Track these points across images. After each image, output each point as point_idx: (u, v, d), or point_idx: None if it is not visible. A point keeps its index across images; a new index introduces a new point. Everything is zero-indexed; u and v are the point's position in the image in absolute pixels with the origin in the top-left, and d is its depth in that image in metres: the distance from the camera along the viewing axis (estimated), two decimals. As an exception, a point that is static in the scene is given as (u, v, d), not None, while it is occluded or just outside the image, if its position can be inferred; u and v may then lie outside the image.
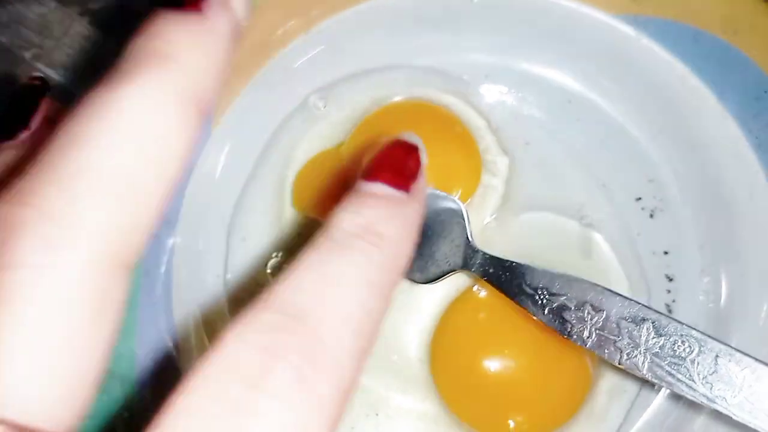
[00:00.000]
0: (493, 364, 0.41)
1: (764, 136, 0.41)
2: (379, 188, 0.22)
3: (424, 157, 0.25)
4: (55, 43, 0.50)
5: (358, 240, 0.20)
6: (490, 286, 0.39)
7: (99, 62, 0.49)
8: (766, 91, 0.41)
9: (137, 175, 0.18)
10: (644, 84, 0.45)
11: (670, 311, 0.43)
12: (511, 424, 0.41)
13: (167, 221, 0.43)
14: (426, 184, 0.24)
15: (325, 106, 0.46)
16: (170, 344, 0.43)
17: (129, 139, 0.18)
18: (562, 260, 0.43)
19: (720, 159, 0.43)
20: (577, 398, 0.41)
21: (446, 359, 0.42)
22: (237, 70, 0.44)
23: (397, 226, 0.21)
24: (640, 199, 0.45)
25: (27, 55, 0.49)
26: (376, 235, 0.20)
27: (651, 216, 0.45)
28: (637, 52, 0.44)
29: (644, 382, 0.42)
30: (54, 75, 0.49)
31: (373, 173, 0.22)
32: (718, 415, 0.30)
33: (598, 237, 0.44)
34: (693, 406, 0.41)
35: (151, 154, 0.18)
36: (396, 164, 0.23)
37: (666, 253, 0.44)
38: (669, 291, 0.44)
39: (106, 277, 0.17)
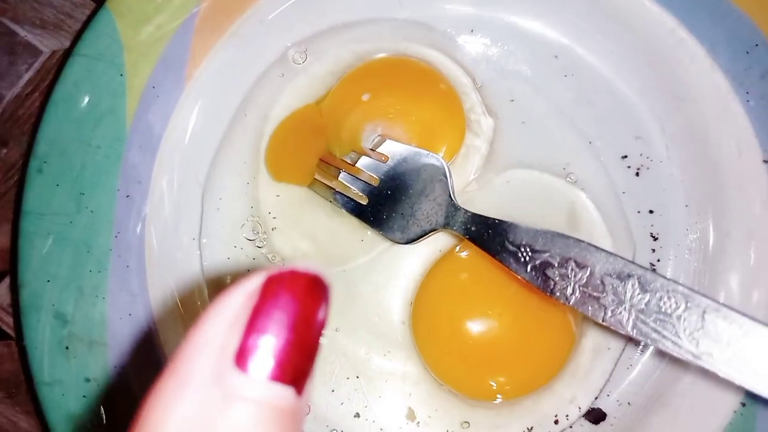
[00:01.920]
0: (474, 325, 0.40)
1: (755, 91, 0.40)
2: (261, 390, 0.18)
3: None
4: None
5: None
6: (472, 246, 0.38)
7: (66, 19, 0.47)
8: (757, 45, 0.40)
9: None
10: (633, 37, 0.43)
11: (654, 270, 0.43)
12: (494, 384, 0.40)
13: (139, 182, 0.42)
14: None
15: (304, 61, 0.45)
16: (143, 310, 0.42)
17: None
18: (546, 218, 0.42)
19: (708, 114, 0.42)
20: (561, 357, 0.41)
21: (428, 321, 0.41)
22: (211, 22, 0.42)
23: None
24: (626, 157, 0.44)
25: None
26: None
27: (637, 174, 0.44)
28: (626, 4, 0.42)
29: (629, 340, 0.41)
30: (20, 31, 0.47)
31: (281, 375, 0.18)
32: (704, 373, 0.29)
33: (582, 195, 0.43)
34: (678, 363, 0.40)
35: None
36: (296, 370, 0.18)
37: (651, 211, 0.43)
38: (654, 250, 0.43)
39: None
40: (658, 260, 0.43)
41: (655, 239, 0.43)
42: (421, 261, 0.43)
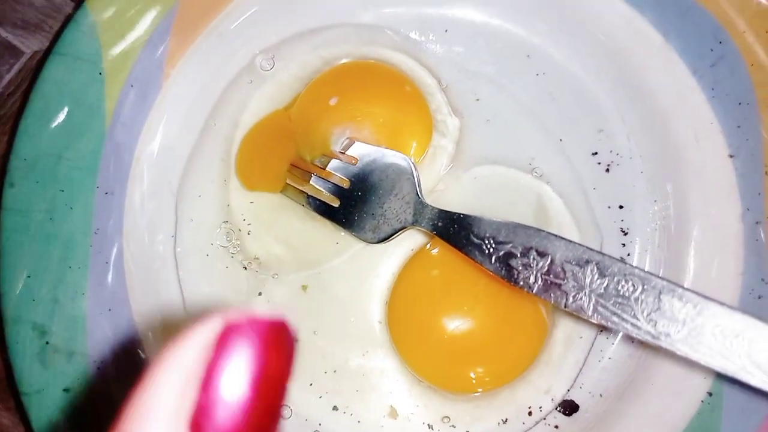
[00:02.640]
0: (448, 320, 0.41)
1: (719, 87, 0.41)
2: None
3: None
4: None
5: None
6: (442, 243, 0.38)
7: (47, 20, 0.48)
8: (720, 42, 0.41)
9: None
10: (594, 32, 0.44)
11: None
12: (472, 376, 0.41)
13: (119, 181, 0.42)
14: None
15: (272, 67, 0.45)
16: (123, 306, 0.42)
17: None
18: (515, 213, 0.43)
19: (667, 106, 0.43)
20: (534, 347, 0.41)
21: (403, 318, 0.42)
22: (188, 23, 0.43)
23: None
24: (596, 153, 0.45)
25: None
26: None
27: (607, 170, 0.44)
28: (590, 1, 0.43)
29: (601, 330, 0.42)
30: (1, 32, 0.47)
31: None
32: (674, 357, 0.30)
33: (548, 189, 0.44)
34: (649, 350, 0.41)
35: None
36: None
37: (621, 207, 0.44)
38: (624, 244, 0.44)
39: None
40: (628, 254, 0.44)
41: (625, 234, 0.44)
42: (394, 260, 0.44)
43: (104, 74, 0.42)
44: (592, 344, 0.42)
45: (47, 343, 0.39)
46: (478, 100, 0.45)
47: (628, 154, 0.44)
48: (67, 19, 0.47)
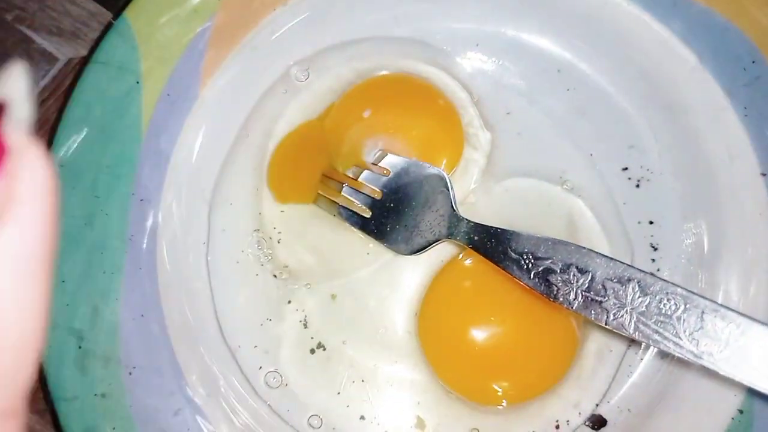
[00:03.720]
0: (479, 332, 0.41)
1: (753, 106, 0.41)
2: None
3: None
4: (38, 5, 0.49)
5: None
6: (475, 254, 0.38)
7: (83, 28, 0.48)
8: (754, 61, 0.41)
9: None
10: (627, 50, 0.44)
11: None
12: (500, 390, 0.41)
13: (154, 188, 0.43)
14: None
15: (307, 78, 0.46)
16: (155, 312, 0.42)
17: None
18: (546, 225, 0.43)
19: (700, 124, 0.43)
20: (565, 361, 0.41)
21: (434, 329, 0.42)
22: (224, 34, 0.43)
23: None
24: (626, 168, 0.45)
25: (8, 17, 0.48)
26: None
27: (637, 186, 0.45)
28: (622, 18, 0.44)
29: (631, 343, 0.42)
30: (36, 38, 0.48)
31: None
32: (705, 372, 0.30)
33: (580, 202, 0.44)
34: (679, 364, 0.41)
35: None
36: None
37: (651, 222, 0.44)
38: (654, 260, 0.44)
39: None
40: (658, 269, 0.44)
41: (655, 249, 0.44)
42: (425, 271, 0.44)
43: (142, 83, 0.42)
44: (622, 358, 0.42)
45: (83, 348, 0.39)
46: (509, 113, 0.46)
47: (659, 171, 0.45)
48: (105, 28, 0.47)
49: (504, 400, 0.41)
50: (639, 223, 0.45)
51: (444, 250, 0.43)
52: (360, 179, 0.43)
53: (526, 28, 0.45)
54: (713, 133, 0.43)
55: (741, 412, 0.39)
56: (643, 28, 0.44)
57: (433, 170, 0.41)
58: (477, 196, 0.45)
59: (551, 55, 0.46)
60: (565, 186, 0.45)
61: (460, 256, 0.43)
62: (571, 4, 0.44)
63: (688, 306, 0.28)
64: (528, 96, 0.46)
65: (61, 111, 0.42)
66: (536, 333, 0.41)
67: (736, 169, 0.42)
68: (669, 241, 0.44)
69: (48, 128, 0.48)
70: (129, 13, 0.42)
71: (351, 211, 0.43)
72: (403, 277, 0.44)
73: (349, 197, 0.43)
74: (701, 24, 0.41)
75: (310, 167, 0.44)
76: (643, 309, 0.29)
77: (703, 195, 0.43)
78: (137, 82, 0.42)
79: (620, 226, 0.44)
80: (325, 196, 0.44)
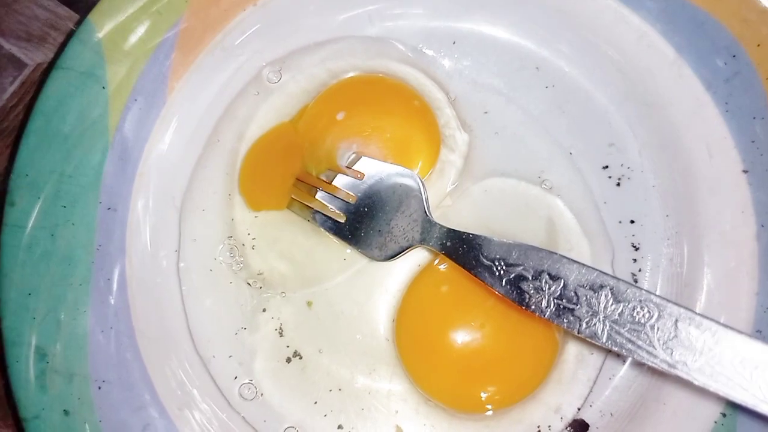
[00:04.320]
0: (458, 337, 0.40)
1: (734, 101, 0.40)
2: None
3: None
4: (5, 9, 0.48)
5: None
6: (450, 260, 0.37)
7: (51, 32, 0.47)
8: (734, 56, 0.40)
9: None
10: (605, 45, 0.44)
11: (636, 280, 0.43)
12: (482, 395, 0.40)
13: (122, 196, 0.42)
14: None
15: (279, 79, 0.45)
16: (124, 324, 0.41)
17: None
18: (526, 226, 0.42)
19: (679, 120, 0.42)
20: (545, 364, 0.41)
21: (412, 336, 0.41)
22: (192, 38, 0.42)
23: None
24: (607, 167, 0.44)
25: None
26: None
27: (618, 184, 0.44)
28: (599, 12, 0.43)
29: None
30: (4, 43, 0.47)
31: None
32: (682, 383, 0.29)
33: (559, 202, 0.43)
34: (658, 372, 0.40)
35: None
36: None
37: (632, 221, 0.43)
38: (635, 260, 0.43)
39: None
40: (639, 270, 0.43)
41: (636, 249, 0.43)
42: (401, 276, 0.43)
43: (108, 88, 0.41)
44: (603, 362, 0.41)
45: (47, 364, 0.38)
46: (486, 112, 0.45)
47: (639, 168, 0.44)
48: (70, 32, 0.46)
49: (488, 406, 0.40)
50: (620, 222, 0.44)
51: (421, 255, 0.42)
52: (334, 183, 0.42)
53: (502, 25, 0.44)
54: (693, 129, 0.42)
55: (724, 415, 0.38)
56: (621, 22, 0.43)
57: (406, 174, 0.40)
58: (454, 199, 0.44)
59: (529, 52, 0.45)
60: (544, 185, 0.44)
61: (436, 261, 0.42)
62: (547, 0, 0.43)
63: (662, 314, 0.27)
64: (506, 95, 0.45)
65: (28, 118, 0.41)
66: (515, 337, 0.40)
67: (716, 165, 0.41)
68: (650, 240, 0.43)
69: (16, 136, 0.47)
70: (93, 17, 0.41)
71: (325, 215, 0.42)
72: (381, 283, 0.43)
73: (323, 201, 0.42)
74: (680, 16, 0.40)
75: (282, 171, 0.43)
76: (616, 317, 0.28)
77: (684, 192, 0.42)
78: (103, 88, 0.41)
79: (601, 225, 0.43)
80: (299, 201, 0.42)
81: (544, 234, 0.43)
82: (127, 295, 0.41)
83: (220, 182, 0.44)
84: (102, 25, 0.41)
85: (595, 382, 0.41)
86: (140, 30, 0.41)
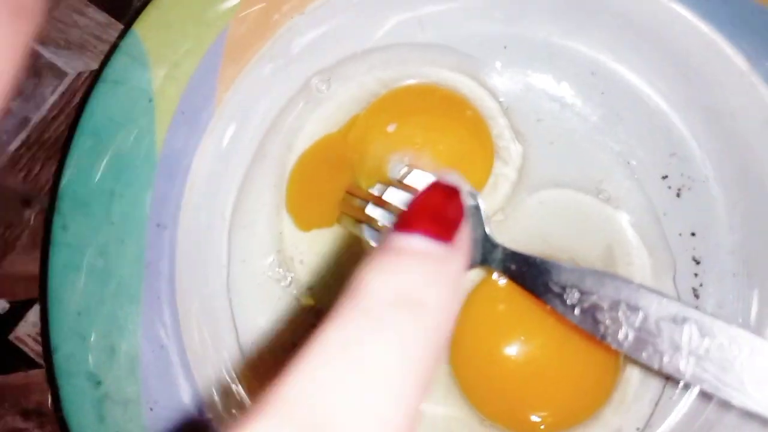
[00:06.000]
0: (516, 358, 0.39)
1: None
2: (418, 242, 0.18)
3: (467, 200, 0.21)
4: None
5: (394, 310, 0.16)
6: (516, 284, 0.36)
7: (92, 39, 0.46)
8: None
9: None
10: (667, 50, 0.42)
11: (697, 295, 0.41)
12: (538, 418, 0.39)
13: (171, 211, 0.41)
14: (469, 232, 0.20)
15: (328, 89, 0.43)
16: (176, 343, 0.41)
17: None
18: (584, 239, 0.41)
19: (748, 131, 0.40)
20: (606, 388, 0.39)
21: (467, 355, 0.40)
22: (239, 47, 0.41)
23: (440, 289, 0.17)
24: (666, 177, 0.42)
25: None
26: (416, 303, 0.16)
27: (678, 195, 0.42)
28: (661, 16, 0.41)
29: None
30: (44, 52, 0.46)
31: (409, 224, 0.18)
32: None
33: (619, 215, 0.42)
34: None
35: None
36: (436, 212, 0.19)
37: (693, 234, 0.42)
38: (696, 274, 0.42)
39: None
40: (701, 284, 0.42)
41: (698, 263, 0.42)
42: (454, 292, 0.42)
43: (154, 101, 0.40)
44: (665, 385, 0.40)
45: (103, 391, 0.38)
46: (539, 120, 0.43)
47: (701, 179, 0.42)
48: (115, 43, 0.45)
49: (546, 429, 0.39)
50: (680, 235, 0.42)
51: (476, 270, 0.41)
52: (385, 197, 0.40)
53: (558, 29, 0.43)
54: (762, 141, 0.40)
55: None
56: (686, 26, 0.41)
57: (465, 193, 0.38)
58: (507, 212, 0.42)
59: (584, 56, 0.43)
60: (601, 196, 0.42)
61: (494, 275, 0.40)
62: (605, 3, 0.41)
63: (754, 350, 0.26)
64: (560, 101, 0.43)
65: (71, 128, 0.40)
66: (576, 359, 0.39)
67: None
68: (713, 255, 0.42)
69: (59, 148, 0.46)
70: (138, 28, 0.40)
71: (376, 230, 0.40)
72: (433, 298, 0.42)
73: (373, 216, 0.40)
74: (754, 23, 0.38)
75: (331, 186, 0.42)
76: (702, 353, 0.27)
77: (750, 204, 0.41)
78: (150, 101, 0.40)
79: (661, 238, 0.42)
80: (349, 215, 0.41)
81: (602, 247, 0.42)
82: (178, 314, 0.41)
83: (268, 195, 0.43)
84: (148, 37, 0.40)
85: (657, 404, 0.40)
86: (187, 42, 0.40)
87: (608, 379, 0.39)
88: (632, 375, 0.40)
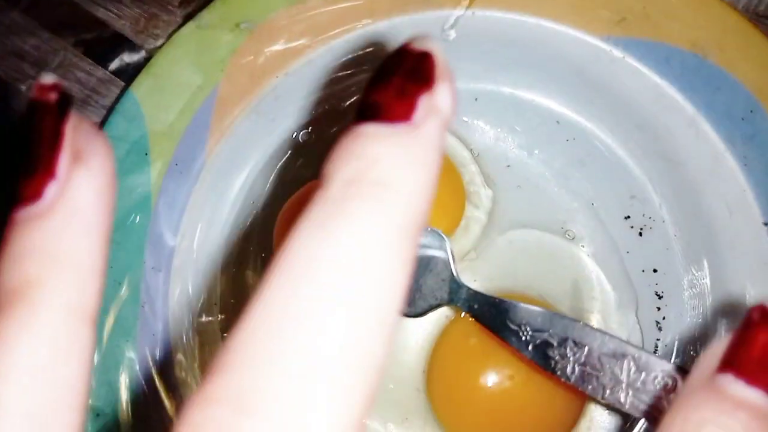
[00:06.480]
0: (489, 388, 0.41)
1: (753, 156, 0.41)
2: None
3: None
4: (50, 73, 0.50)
5: (355, 191, 0.15)
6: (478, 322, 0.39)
7: (93, 95, 0.50)
8: (752, 111, 0.41)
9: None
10: (624, 102, 0.45)
11: (660, 329, 0.44)
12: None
13: (165, 257, 0.44)
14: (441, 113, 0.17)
15: (311, 139, 0.47)
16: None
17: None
18: (552, 277, 0.44)
19: (698, 176, 0.43)
20: (573, 416, 0.42)
21: (442, 386, 0.43)
22: (221, 110, 0.45)
23: (406, 170, 0.16)
24: (628, 217, 0.45)
25: (23, 87, 0.50)
26: (377, 183, 0.15)
27: (640, 234, 0.45)
28: (617, 70, 0.44)
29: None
30: None
31: (366, 110, 0.16)
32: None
33: (582, 252, 0.44)
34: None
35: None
36: (398, 91, 0.16)
37: (655, 270, 0.45)
38: (659, 308, 0.44)
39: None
40: (664, 318, 0.44)
41: (660, 297, 0.44)
42: (431, 327, 0.45)
43: (150, 155, 0.43)
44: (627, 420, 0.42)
45: (100, 423, 0.40)
46: (508, 166, 0.46)
47: (660, 219, 0.45)
48: (116, 99, 0.49)
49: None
50: (643, 271, 0.45)
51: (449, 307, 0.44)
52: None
53: (522, 84, 0.46)
54: (712, 184, 0.43)
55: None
56: (639, 80, 0.44)
57: (433, 234, 0.41)
58: (479, 251, 0.45)
59: (549, 108, 0.46)
60: (567, 236, 0.45)
61: (463, 313, 0.43)
62: (566, 60, 0.45)
63: (681, 384, 0.29)
64: (527, 148, 0.47)
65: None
66: (546, 386, 0.41)
67: (736, 219, 0.42)
68: (673, 289, 0.44)
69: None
70: (135, 89, 0.43)
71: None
72: (410, 334, 0.45)
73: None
74: (699, 75, 0.42)
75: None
76: (639, 385, 0.29)
77: (705, 244, 0.44)
78: (146, 154, 0.44)
79: (624, 274, 0.45)
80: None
81: (569, 283, 0.45)
82: (171, 354, 0.44)
83: (256, 240, 0.46)
84: (143, 95, 0.43)
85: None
86: (181, 97, 0.44)
87: (574, 408, 0.42)
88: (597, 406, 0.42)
